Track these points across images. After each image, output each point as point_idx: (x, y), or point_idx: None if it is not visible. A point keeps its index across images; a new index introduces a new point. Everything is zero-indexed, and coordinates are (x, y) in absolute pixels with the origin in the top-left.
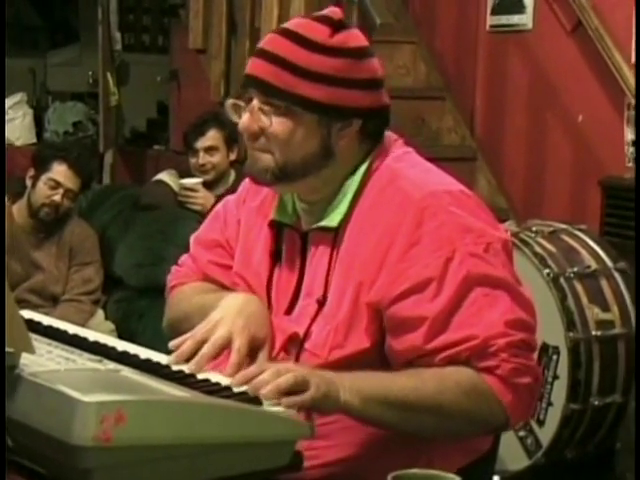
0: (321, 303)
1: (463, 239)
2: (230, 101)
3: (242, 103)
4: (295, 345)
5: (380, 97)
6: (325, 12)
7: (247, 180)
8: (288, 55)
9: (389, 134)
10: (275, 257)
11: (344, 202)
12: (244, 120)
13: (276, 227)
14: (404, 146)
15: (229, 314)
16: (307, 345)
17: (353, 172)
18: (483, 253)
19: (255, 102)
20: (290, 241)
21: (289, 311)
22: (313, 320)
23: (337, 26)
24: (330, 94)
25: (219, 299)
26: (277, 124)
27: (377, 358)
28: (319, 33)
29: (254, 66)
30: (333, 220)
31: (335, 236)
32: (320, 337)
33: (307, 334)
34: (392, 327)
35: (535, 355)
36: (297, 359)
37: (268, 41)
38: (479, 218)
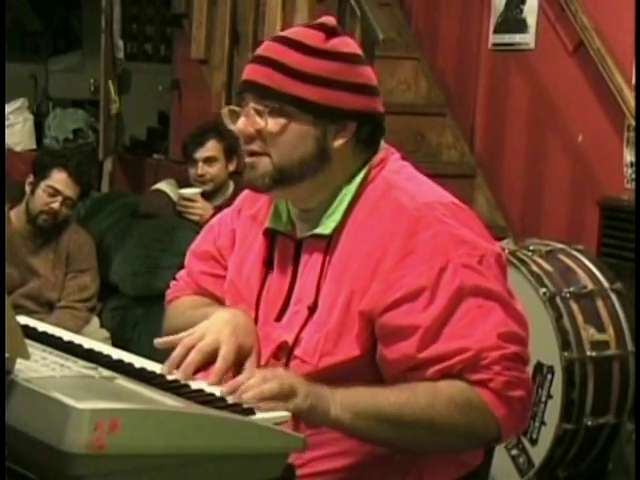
0: (312, 310)
1: (457, 250)
2: (226, 108)
3: (238, 109)
4: (285, 352)
5: (374, 104)
6: (320, 20)
7: (245, 192)
8: (282, 58)
9: (387, 147)
10: (268, 265)
11: (339, 210)
12: (240, 123)
13: (271, 235)
14: (401, 160)
15: (216, 324)
16: (297, 352)
17: (349, 181)
18: (477, 265)
19: (250, 105)
20: (283, 249)
21: (279, 318)
22: (303, 327)
23: (331, 32)
24: (324, 95)
25: (208, 315)
26: (272, 124)
27: (367, 366)
28: (313, 38)
29: (249, 71)
30: (327, 228)
31: (328, 244)
32: (310, 344)
33: (297, 341)
34: (384, 336)
35: (528, 369)
36: (286, 366)
37: (263, 47)
38: (473, 231)
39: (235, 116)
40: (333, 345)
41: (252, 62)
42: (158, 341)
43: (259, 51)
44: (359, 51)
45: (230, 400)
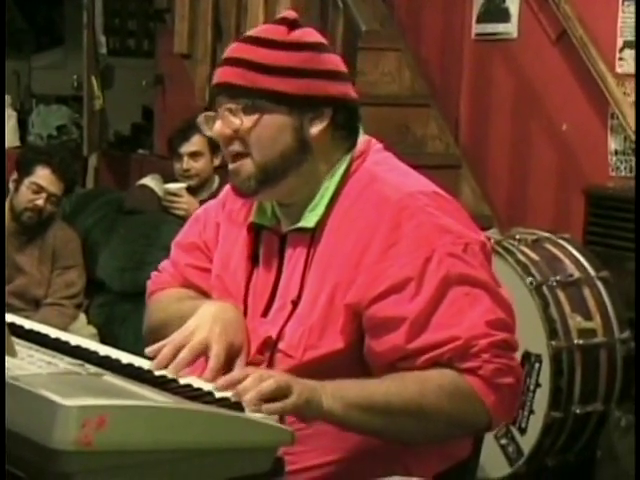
0: (295, 304)
1: (441, 239)
2: (202, 115)
3: (213, 114)
4: (269, 347)
5: (346, 89)
6: (281, 15)
7: (229, 184)
8: (249, 56)
9: (369, 139)
10: (253, 260)
11: (322, 203)
12: (216, 126)
13: (255, 230)
14: (384, 151)
15: (206, 321)
16: (281, 346)
17: (331, 174)
18: (462, 253)
19: (224, 106)
20: (268, 243)
21: (265, 313)
22: (287, 321)
23: (293, 25)
24: (296, 85)
25: (196, 307)
26: (248, 122)
27: (352, 359)
28: (277, 32)
29: (219, 74)
30: (310, 221)
31: (312, 237)
32: (294, 338)
33: (280, 335)
34: (372, 328)
35: (517, 355)
36: (271, 360)
37: (231, 49)
38: (457, 220)
39: (211, 121)
40: (317, 338)
41: (221, 65)
42: (150, 350)
43: (227, 54)
44: (323, 40)
45: (232, 398)
